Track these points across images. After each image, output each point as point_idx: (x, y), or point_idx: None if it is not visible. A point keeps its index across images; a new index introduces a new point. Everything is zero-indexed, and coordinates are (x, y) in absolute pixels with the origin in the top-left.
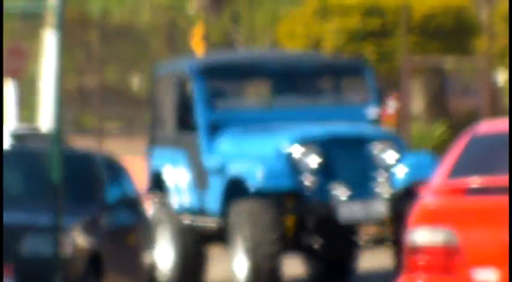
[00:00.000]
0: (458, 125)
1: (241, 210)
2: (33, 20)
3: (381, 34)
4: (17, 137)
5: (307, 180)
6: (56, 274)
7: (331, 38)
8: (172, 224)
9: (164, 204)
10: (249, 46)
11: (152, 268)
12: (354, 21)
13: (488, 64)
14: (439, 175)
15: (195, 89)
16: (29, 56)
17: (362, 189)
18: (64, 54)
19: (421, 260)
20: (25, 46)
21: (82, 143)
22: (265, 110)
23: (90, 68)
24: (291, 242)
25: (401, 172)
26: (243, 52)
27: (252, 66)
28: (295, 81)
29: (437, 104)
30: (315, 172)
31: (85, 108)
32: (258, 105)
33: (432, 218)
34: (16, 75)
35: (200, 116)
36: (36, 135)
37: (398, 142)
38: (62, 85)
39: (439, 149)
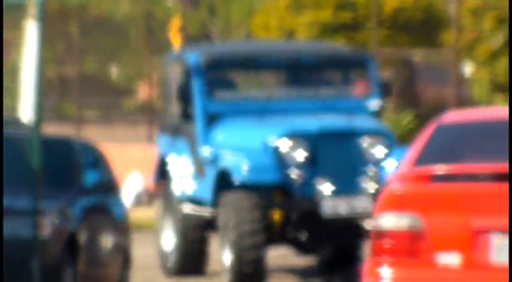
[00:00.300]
0: (425, 114)
1: (227, 201)
2: (16, 11)
3: (352, 27)
4: None
5: (294, 174)
6: (34, 255)
7: (303, 30)
8: (174, 213)
9: (168, 193)
10: (224, 38)
11: (160, 254)
12: (326, 15)
13: (456, 57)
14: (405, 163)
15: (194, 80)
16: (11, 45)
17: (348, 184)
18: (45, 44)
19: (387, 244)
20: (8, 36)
21: (61, 130)
22: (266, 101)
23: (70, 58)
24: (278, 235)
25: (390, 167)
26: (249, 43)
27: (254, 58)
28: (297, 72)
29: (406, 94)
30: (301, 166)
31: (65, 97)
32: (259, 96)
33: (398, 204)
34: None
35: (198, 106)
36: (14, 122)
37: (388, 136)
38: (43, 74)
39: (407, 137)
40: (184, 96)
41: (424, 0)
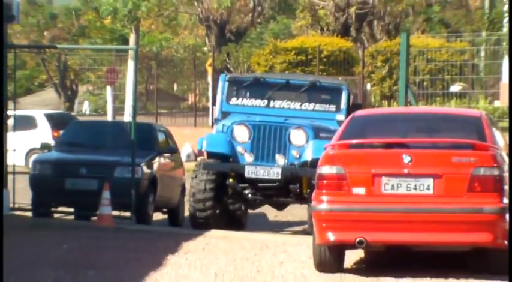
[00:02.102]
0: (347, 114)
1: (195, 166)
2: (124, 53)
3: (305, 63)
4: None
5: (239, 149)
6: (132, 187)
7: (278, 66)
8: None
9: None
10: (235, 70)
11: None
12: (291, 57)
13: (362, 80)
14: (335, 138)
15: (219, 90)
16: (121, 72)
17: (269, 158)
18: (138, 72)
19: (324, 183)
20: (118, 67)
21: (146, 119)
22: (264, 108)
23: (151, 80)
24: (234, 191)
25: (306, 151)
26: (263, 74)
27: (262, 80)
28: (291, 92)
29: None
30: (244, 143)
31: (148, 101)
32: (261, 105)
33: (330, 160)
34: (112, 84)
35: (218, 107)
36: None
37: (309, 130)
38: (137, 88)
39: None
40: (215, 100)
41: (344, 47)
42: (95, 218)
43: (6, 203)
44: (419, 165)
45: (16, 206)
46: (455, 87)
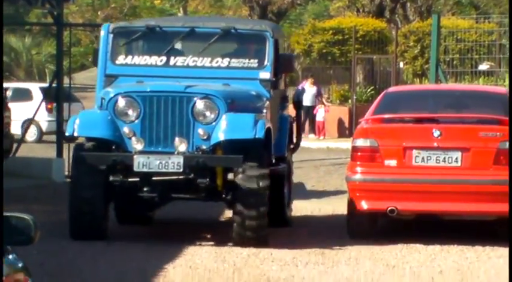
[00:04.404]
0: (380, 88)
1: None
2: None
3: (341, 42)
4: None
5: (125, 131)
6: None
7: (317, 45)
8: None
9: None
10: None
11: None
12: (328, 36)
13: (395, 59)
14: (369, 113)
15: (101, 46)
16: None
17: (166, 143)
18: None
19: (358, 155)
20: None
21: None
22: (163, 68)
23: None
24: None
25: (217, 130)
26: (158, 18)
27: (158, 29)
28: (198, 43)
29: (369, 78)
30: (132, 123)
31: None
32: (158, 63)
33: (364, 133)
34: None
35: (99, 68)
36: None
37: (219, 100)
38: None
39: (370, 100)
40: (95, 60)
41: (378, 27)
42: None
43: (62, 171)
44: (448, 139)
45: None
46: (483, 66)
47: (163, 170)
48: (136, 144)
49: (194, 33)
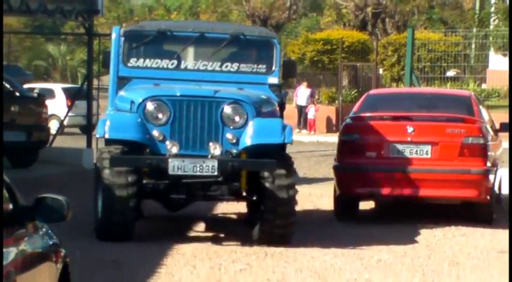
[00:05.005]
0: (362, 91)
1: (101, 155)
2: None
3: (330, 52)
4: None
5: (155, 134)
6: None
7: (309, 54)
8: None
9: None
10: None
11: None
12: (319, 46)
13: (375, 66)
14: (353, 112)
15: (112, 49)
16: None
17: (201, 147)
18: None
19: (345, 147)
20: None
21: None
22: (175, 71)
23: None
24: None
25: (246, 134)
26: (168, 21)
27: (167, 31)
28: (208, 48)
29: (353, 82)
30: (163, 126)
31: None
32: (170, 66)
33: (349, 129)
34: None
35: (112, 71)
36: None
37: (248, 106)
38: None
39: (353, 101)
40: (107, 62)
41: (362, 39)
42: None
43: (90, 159)
44: (419, 135)
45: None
46: (451, 73)
47: (198, 173)
48: (172, 148)
49: (204, 38)
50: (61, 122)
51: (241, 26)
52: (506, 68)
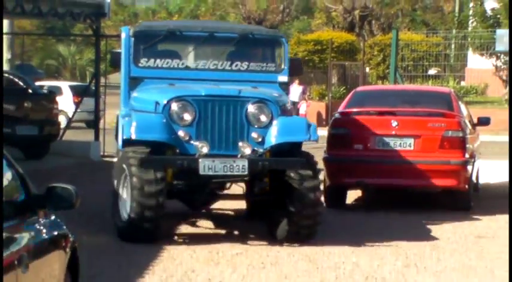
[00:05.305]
0: (350, 88)
1: (125, 153)
2: None
3: (320, 52)
4: None
5: (181, 134)
6: None
7: (301, 53)
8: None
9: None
10: None
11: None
12: (310, 46)
13: (362, 64)
14: (341, 107)
15: (123, 49)
16: None
17: (230, 146)
18: None
19: (334, 140)
20: None
21: None
22: (186, 71)
23: None
24: (169, 187)
25: (272, 133)
26: (177, 21)
27: (176, 31)
28: (218, 47)
29: (342, 79)
30: (188, 127)
31: None
32: (180, 66)
33: (338, 124)
34: None
35: (123, 71)
36: None
37: (272, 104)
38: None
39: (342, 97)
40: (116, 62)
41: (350, 39)
42: None
43: (98, 152)
44: (403, 128)
45: (106, 153)
46: (432, 71)
47: (229, 173)
48: (202, 148)
49: (213, 37)
50: (70, 118)
51: (246, 25)
52: (484, 66)
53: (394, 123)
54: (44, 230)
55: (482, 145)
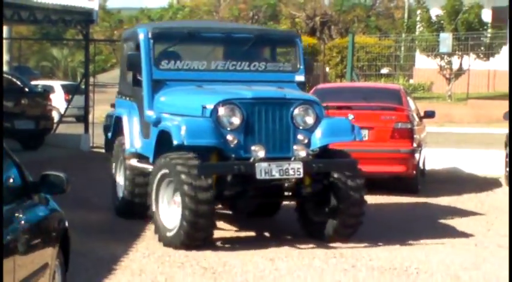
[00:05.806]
0: (312, 85)
1: (171, 159)
2: None
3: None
4: None
5: (229, 138)
6: None
7: None
8: (124, 164)
9: (121, 144)
10: None
11: (113, 198)
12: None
13: (323, 65)
14: None
15: (143, 50)
16: None
17: (280, 149)
18: None
19: None
20: None
21: None
22: (206, 72)
23: None
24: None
25: (318, 134)
26: (193, 22)
27: (195, 32)
28: (235, 48)
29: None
30: (236, 130)
31: None
32: (199, 67)
33: None
34: None
35: (145, 74)
36: None
37: (317, 106)
38: None
39: None
40: (135, 65)
41: (311, 43)
42: None
43: (87, 143)
44: (359, 121)
45: (95, 145)
46: (384, 70)
47: (284, 176)
48: (258, 152)
49: (230, 38)
50: (62, 113)
51: (261, 26)
52: (430, 66)
53: (351, 117)
54: (39, 213)
55: (428, 135)
